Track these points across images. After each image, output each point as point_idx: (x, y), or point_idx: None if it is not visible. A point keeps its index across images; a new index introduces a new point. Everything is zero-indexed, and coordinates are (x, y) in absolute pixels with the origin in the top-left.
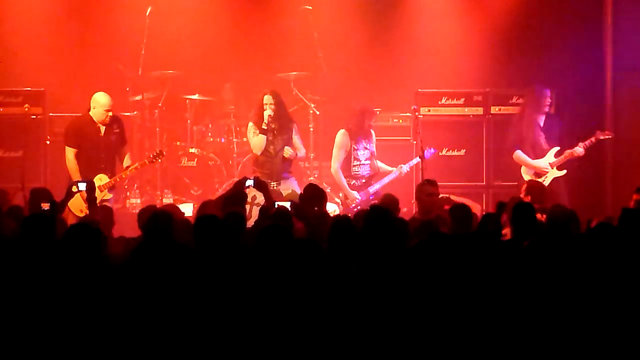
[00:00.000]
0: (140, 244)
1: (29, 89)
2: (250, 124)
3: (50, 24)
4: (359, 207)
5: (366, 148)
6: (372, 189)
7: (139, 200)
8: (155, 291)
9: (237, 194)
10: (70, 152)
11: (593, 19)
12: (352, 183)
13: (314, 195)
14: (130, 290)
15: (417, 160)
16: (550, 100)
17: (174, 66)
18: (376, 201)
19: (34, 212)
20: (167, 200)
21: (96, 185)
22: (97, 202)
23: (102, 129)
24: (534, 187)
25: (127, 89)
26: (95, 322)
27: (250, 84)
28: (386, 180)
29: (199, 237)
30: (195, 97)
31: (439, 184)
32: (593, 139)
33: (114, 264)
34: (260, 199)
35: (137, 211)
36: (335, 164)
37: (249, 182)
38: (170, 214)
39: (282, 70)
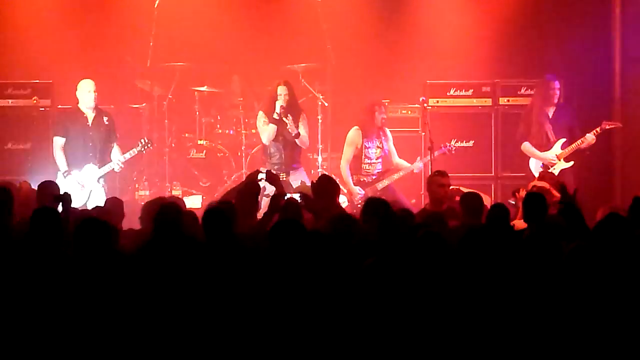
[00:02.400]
0: (151, 239)
1: (38, 81)
2: (261, 112)
3: (58, 15)
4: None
5: (379, 147)
6: (381, 185)
7: (147, 192)
8: (167, 284)
9: (250, 186)
10: (57, 142)
11: (601, 9)
12: (361, 180)
13: (327, 187)
14: (142, 284)
15: (434, 155)
16: (558, 91)
17: (183, 58)
18: (384, 197)
19: (42, 205)
20: (176, 192)
21: (85, 175)
22: (88, 191)
23: (90, 118)
24: (545, 178)
25: (135, 80)
26: (107, 316)
27: (258, 75)
28: (396, 176)
29: (208, 228)
30: (204, 88)
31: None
32: (599, 129)
33: (124, 257)
34: (270, 189)
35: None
36: (343, 161)
37: (262, 175)
38: (179, 206)
39: (291, 62)
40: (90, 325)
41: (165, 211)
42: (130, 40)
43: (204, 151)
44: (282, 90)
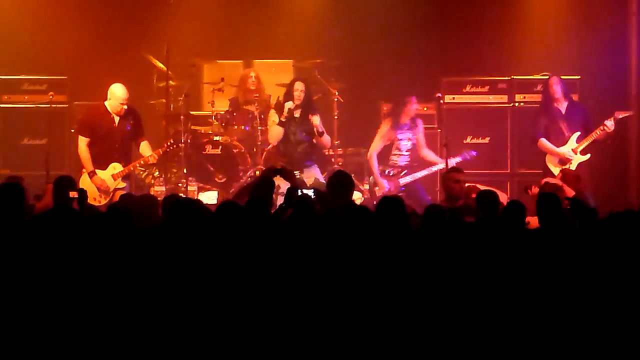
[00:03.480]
0: (159, 229)
1: (54, 77)
2: (272, 111)
3: (75, 11)
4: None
5: (409, 139)
6: (403, 181)
7: (163, 189)
8: (177, 275)
9: (264, 181)
10: (82, 142)
11: (618, 6)
12: (386, 172)
13: (342, 183)
14: (155, 273)
15: (462, 158)
16: (556, 86)
17: (199, 54)
18: (404, 193)
19: (59, 200)
20: (192, 188)
21: (110, 174)
22: (111, 190)
23: (117, 119)
24: (568, 176)
25: (154, 77)
26: (119, 308)
27: (274, 71)
28: (419, 175)
29: (221, 224)
30: (220, 84)
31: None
32: (612, 120)
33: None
34: (284, 188)
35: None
36: (372, 150)
37: (277, 172)
38: (193, 201)
39: (307, 58)
40: (102, 320)
41: (177, 204)
42: (146, 36)
43: (220, 147)
44: (299, 86)
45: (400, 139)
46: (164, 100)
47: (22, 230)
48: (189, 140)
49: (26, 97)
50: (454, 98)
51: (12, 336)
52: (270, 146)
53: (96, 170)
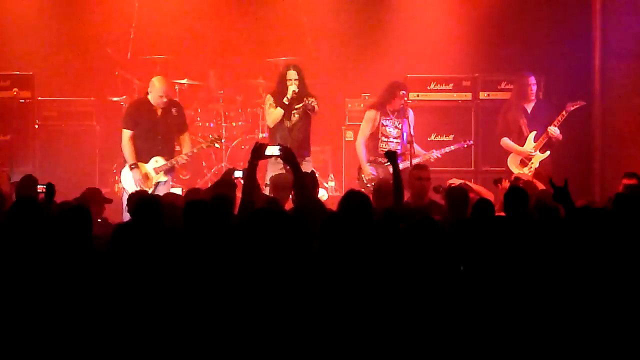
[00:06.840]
0: (125, 226)
1: (18, 72)
2: (269, 96)
3: (39, 6)
4: (372, 183)
5: (397, 127)
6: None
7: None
8: (143, 274)
9: (225, 182)
10: (125, 134)
11: (582, 3)
12: (378, 160)
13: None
14: (118, 272)
15: (451, 148)
16: (534, 87)
17: (163, 50)
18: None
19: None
20: None
21: (152, 167)
22: (152, 184)
23: (159, 111)
24: (542, 175)
25: (116, 73)
26: (84, 308)
27: (239, 68)
28: (414, 161)
29: (189, 221)
30: (184, 81)
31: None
32: (564, 113)
33: (99, 247)
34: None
35: (125, 195)
36: (359, 137)
37: (238, 174)
38: (159, 198)
39: (272, 55)
40: (65, 318)
41: (144, 202)
42: (110, 32)
43: None
44: (292, 75)
45: (386, 125)
46: (127, 97)
47: None
48: (222, 138)
49: None
50: (418, 95)
51: None
52: (234, 143)
53: (139, 164)
